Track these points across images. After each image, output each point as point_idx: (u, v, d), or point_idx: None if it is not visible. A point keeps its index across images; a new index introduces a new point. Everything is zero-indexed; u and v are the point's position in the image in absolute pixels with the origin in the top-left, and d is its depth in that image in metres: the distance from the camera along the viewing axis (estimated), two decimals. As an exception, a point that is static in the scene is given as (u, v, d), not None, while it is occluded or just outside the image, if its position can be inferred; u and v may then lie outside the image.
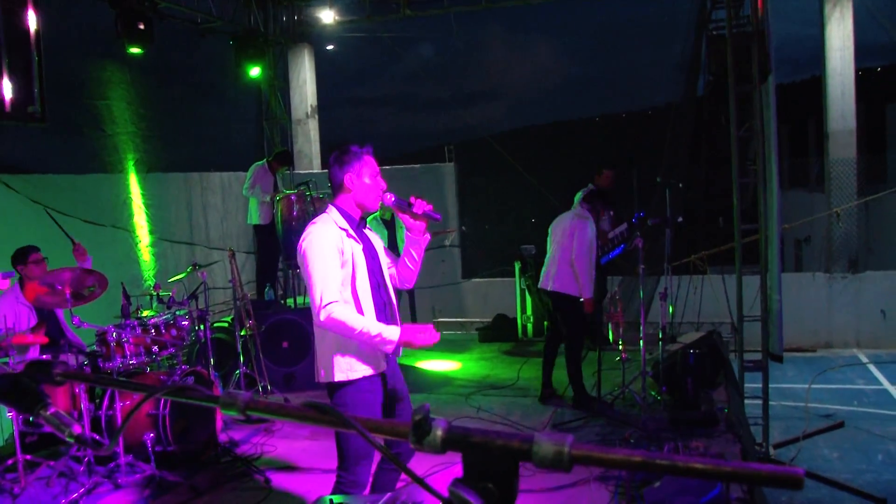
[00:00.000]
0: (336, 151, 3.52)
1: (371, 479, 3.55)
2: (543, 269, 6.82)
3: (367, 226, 3.65)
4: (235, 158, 10.99)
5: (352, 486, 3.40)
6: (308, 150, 12.88)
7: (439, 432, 0.94)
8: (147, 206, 9.54)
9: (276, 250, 9.40)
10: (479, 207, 13.61)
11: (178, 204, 10.17)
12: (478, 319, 10.91)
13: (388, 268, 3.67)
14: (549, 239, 6.82)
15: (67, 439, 1.25)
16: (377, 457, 3.64)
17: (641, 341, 6.35)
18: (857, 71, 10.64)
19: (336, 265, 3.34)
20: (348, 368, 3.41)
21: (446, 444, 0.93)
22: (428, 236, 3.60)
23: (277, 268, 9.80)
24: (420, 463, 4.78)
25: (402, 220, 3.56)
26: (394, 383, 3.61)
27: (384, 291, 3.55)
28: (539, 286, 6.88)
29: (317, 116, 13.08)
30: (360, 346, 3.39)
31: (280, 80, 12.05)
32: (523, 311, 9.70)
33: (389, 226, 7.77)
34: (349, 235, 3.43)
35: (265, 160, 9.36)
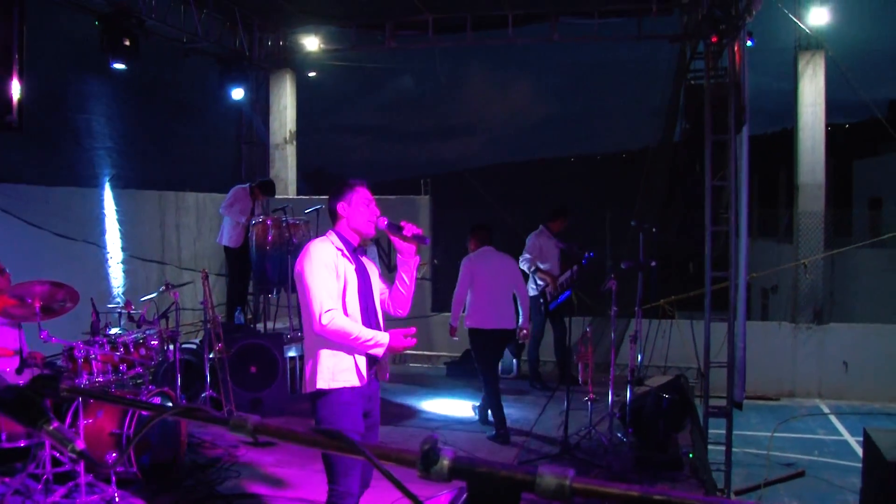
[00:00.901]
0: (334, 186, 3.89)
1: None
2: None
3: (366, 254, 3.88)
4: (212, 179, 11.02)
5: (344, 498, 3.61)
6: (285, 176, 12.88)
7: (446, 462, 0.98)
8: (120, 222, 9.47)
9: (247, 274, 9.36)
10: (453, 241, 13.68)
11: (151, 222, 10.11)
12: (446, 354, 10.90)
13: (381, 293, 3.93)
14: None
15: (70, 454, 1.26)
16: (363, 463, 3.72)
17: (610, 383, 6.42)
18: (827, 126, 10.96)
19: (333, 279, 3.64)
20: (331, 377, 3.65)
21: (453, 474, 0.97)
22: (418, 258, 3.89)
23: (247, 291, 9.75)
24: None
25: (394, 242, 3.85)
26: (371, 406, 3.84)
27: (373, 316, 3.82)
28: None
29: (295, 142, 13.11)
30: (345, 355, 3.65)
31: (261, 103, 12.09)
32: (493, 346, 9.71)
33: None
34: (343, 255, 3.74)
35: (249, 185, 9.34)
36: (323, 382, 3.64)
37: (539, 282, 8.73)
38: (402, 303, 3.93)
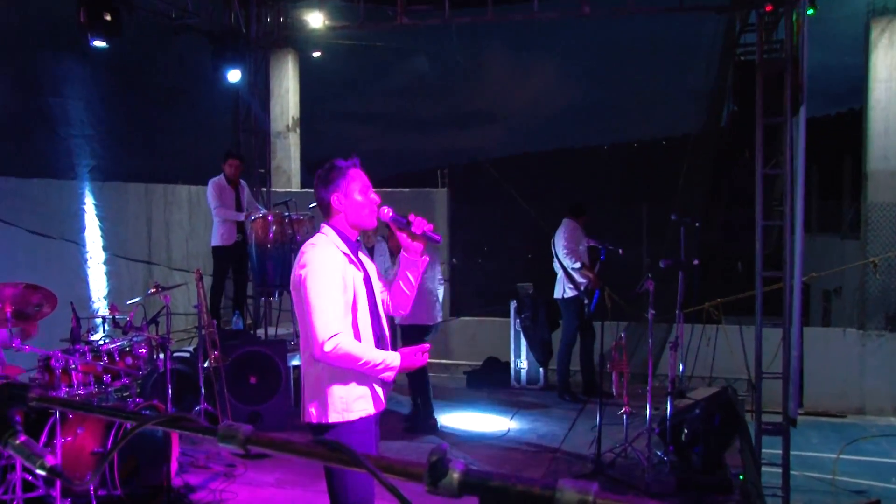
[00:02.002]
0: (319, 170, 3.57)
1: None
2: None
3: (371, 253, 3.70)
4: (206, 171, 11.02)
5: None
6: (287, 167, 12.93)
7: (456, 475, 0.97)
8: (101, 218, 9.49)
9: (244, 274, 9.39)
10: (472, 239, 13.72)
11: (137, 218, 10.16)
12: (466, 362, 10.90)
13: (381, 292, 3.71)
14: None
15: (38, 471, 1.25)
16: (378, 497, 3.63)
17: (648, 395, 6.39)
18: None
19: (341, 292, 3.38)
20: (344, 408, 3.43)
21: (463, 488, 0.96)
22: (426, 258, 3.65)
23: (245, 293, 9.79)
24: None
25: (399, 238, 3.58)
26: (377, 428, 3.67)
27: (378, 323, 3.60)
28: None
29: (298, 130, 13.16)
30: (358, 381, 3.43)
31: (260, 87, 12.15)
32: (517, 355, 9.72)
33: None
34: (351, 261, 3.47)
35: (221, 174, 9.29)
36: (335, 415, 3.42)
37: (580, 279, 8.68)
38: (403, 303, 3.70)
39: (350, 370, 3.39)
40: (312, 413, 3.49)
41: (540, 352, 9.47)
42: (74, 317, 5.88)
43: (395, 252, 7.05)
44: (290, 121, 12.99)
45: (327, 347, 3.27)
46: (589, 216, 8.86)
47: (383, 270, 6.85)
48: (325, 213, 3.57)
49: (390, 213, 3.52)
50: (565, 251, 8.67)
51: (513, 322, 9.76)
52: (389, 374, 3.40)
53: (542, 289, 9.45)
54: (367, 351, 3.36)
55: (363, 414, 3.46)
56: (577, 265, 8.62)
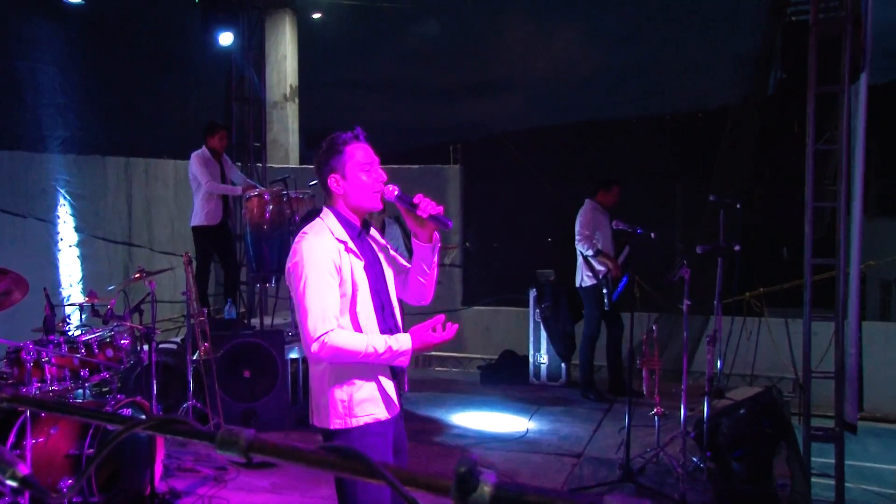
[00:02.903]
0: (321, 143, 3.53)
1: None
2: None
3: (371, 230, 3.63)
4: (194, 145, 11.00)
5: None
6: (285, 140, 12.91)
7: (487, 488, 0.94)
8: (74, 195, 9.47)
9: (233, 256, 9.39)
10: (488, 220, 13.68)
11: (116, 195, 10.12)
12: (479, 356, 10.91)
13: (397, 275, 3.67)
14: None
15: (8, 482, 1.22)
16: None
17: (682, 394, 6.35)
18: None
19: (333, 287, 3.35)
20: (346, 413, 3.39)
21: (496, 503, 0.93)
22: (437, 243, 3.59)
23: (237, 279, 9.79)
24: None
25: (406, 221, 3.54)
26: (398, 430, 3.62)
27: (389, 317, 3.56)
28: None
29: (297, 100, 13.13)
30: (361, 381, 3.39)
31: (255, 52, 12.09)
32: (537, 348, 9.70)
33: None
34: (348, 249, 3.43)
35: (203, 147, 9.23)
36: (337, 419, 3.39)
37: (599, 266, 8.65)
38: (422, 293, 3.66)
39: (354, 367, 3.37)
40: (316, 416, 3.49)
41: (561, 345, 9.45)
42: (48, 304, 5.87)
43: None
44: (288, 89, 12.95)
45: (314, 348, 3.26)
46: (616, 196, 8.80)
47: None
48: (326, 196, 3.55)
49: (396, 192, 3.48)
50: (578, 237, 8.66)
51: (532, 312, 9.74)
52: (403, 360, 3.35)
53: (565, 276, 9.42)
54: (365, 341, 3.30)
55: (370, 419, 3.41)
56: (590, 252, 8.60)
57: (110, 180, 10.06)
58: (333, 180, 3.46)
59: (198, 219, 9.03)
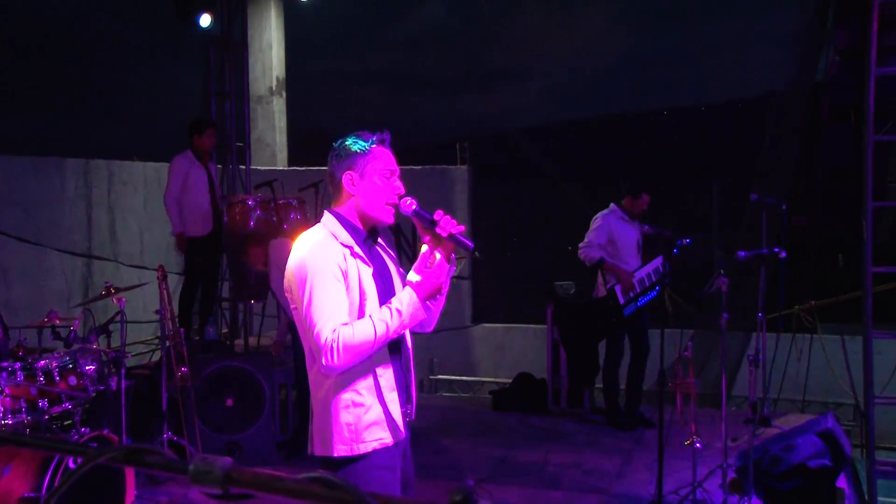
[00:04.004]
0: (336, 141, 3.59)
1: None
2: None
3: (376, 244, 3.66)
4: (168, 145, 10.97)
5: None
6: (271, 139, 12.94)
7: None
8: (24, 202, 9.49)
9: (216, 271, 9.39)
10: (500, 227, 13.68)
11: (74, 202, 10.11)
12: (491, 379, 10.90)
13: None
14: None
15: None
16: None
17: (722, 422, 6.33)
18: None
19: (341, 292, 3.38)
20: (353, 438, 3.43)
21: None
22: (453, 267, 3.61)
23: (216, 295, 9.80)
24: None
25: (422, 238, 3.58)
26: (406, 463, 3.68)
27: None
28: None
29: (284, 94, 13.15)
30: (370, 403, 3.44)
31: (236, 40, 12.11)
32: (556, 370, 9.68)
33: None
34: (354, 254, 3.46)
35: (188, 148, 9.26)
36: (342, 447, 3.43)
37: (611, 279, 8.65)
38: (427, 320, 3.62)
39: (360, 387, 3.42)
40: (317, 444, 3.51)
41: (584, 367, 9.42)
42: (1, 326, 5.87)
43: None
44: (274, 82, 12.99)
45: (328, 360, 3.28)
46: (645, 205, 8.74)
47: None
48: (334, 194, 3.59)
49: (413, 206, 3.52)
50: (581, 244, 8.66)
51: (550, 330, 9.72)
52: (419, 314, 3.43)
53: (586, 289, 9.40)
54: (369, 321, 3.35)
55: (378, 445, 3.46)
56: (593, 260, 8.63)
57: (68, 185, 10.05)
58: (349, 178, 3.51)
59: (185, 228, 9.06)
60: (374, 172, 3.50)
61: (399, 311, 3.36)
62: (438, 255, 3.52)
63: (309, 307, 3.33)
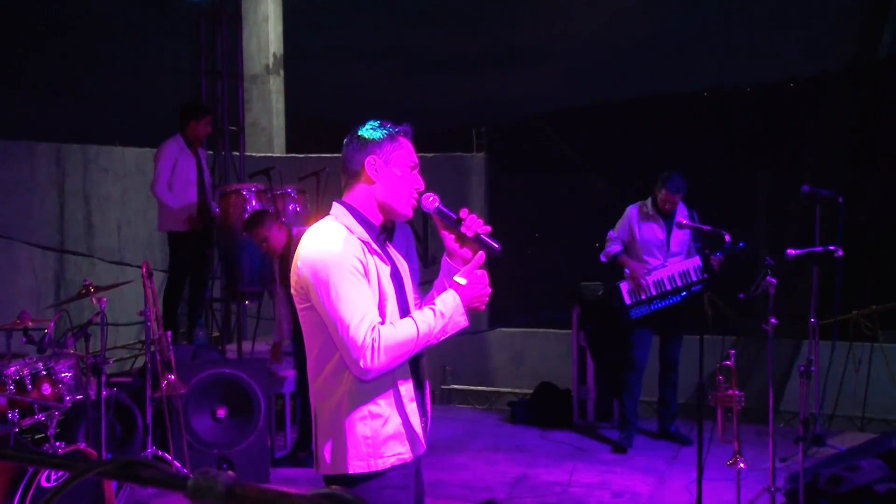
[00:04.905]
0: (357, 126, 3.62)
1: None
2: None
3: (388, 242, 3.69)
4: (153, 129, 10.96)
5: None
6: (267, 122, 12.94)
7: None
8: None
9: (206, 269, 9.40)
10: (520, 221, 13.63)
11: (45, 191, 10.12)
12: (510, 389, 10.89)
13: (414, 299, 3.74)
14: None
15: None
16: None
17: (769, 440, 6.30)
18: None
19: (366, 286, 3.40)
20: (371, 453, 3.44)
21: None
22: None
23: (205, 295, 9.81)
24: None
25: (445, 240, 3.61)
26: (420, 482, 3.71)
27: None
28: None
29: (281, 73, 13.15)
30: (389, 414, 3.46)
31: (229, 12, 12.13)
32: (582, 380, 9.68)
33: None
34: (372, 250, 3.49)
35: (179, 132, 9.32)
36: (358, 461, 3.44)
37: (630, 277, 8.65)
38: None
39: (376, 396, 3.44)
40: (327, 460, 3.51)
41: (612, 376, 9.40)
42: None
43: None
44: (271, 59, 12.98)
45: (366, 362, 3.29)
46: (664, 202, 8.63)
47: None
48: (350, 181, 3.61)
49: (436, 203, 3.56)
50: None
51: (575, 335, 9.72)
52: (462, 321, 3.47)
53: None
54: (411, 322, 3.38)
55: (395, 461, 3.48)
56: (608, 256, 8.76)
57: (39, 172, 10.05)
58: (372, 162, 3.53)
59: (170, 223, 9.09)
60: (398, 161, 3.54)
61: (443, 314, 3.39)
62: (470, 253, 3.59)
63: (336, 306, 3.33)
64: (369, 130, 3.57)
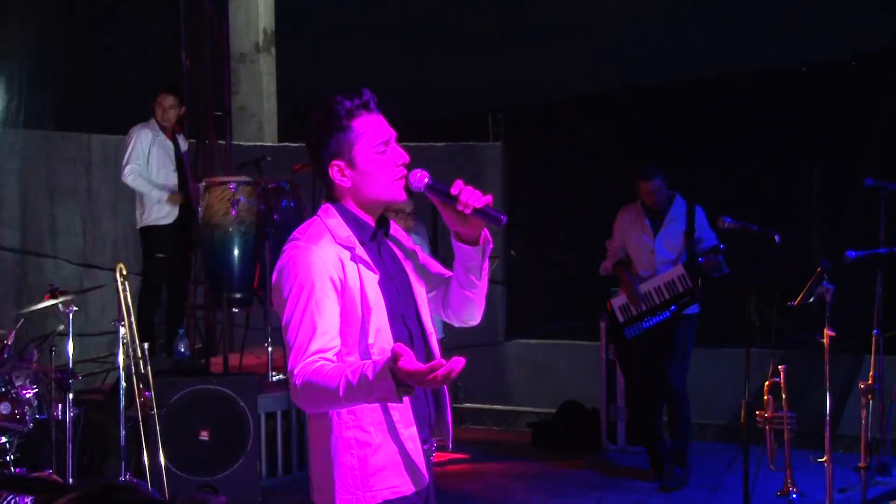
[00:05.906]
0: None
1: None
2: None
3: (393, 229, 3.64)
4: (128, 114, 10.95)
5: None
6: (257, 107, 12.95)
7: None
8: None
9: (185, 271, 9.40)
10: (540, 218, 13.59)
11: (2, 184, 10.13)
12: (530, 409, 10.90)
13: (429, 294, 3.70)
14: None
15: None
16: None
17: (826, 467, 6.27)
18: None
19: (330, 310, 3.33)
20: (358, 485, 3.38)
21: None
22: (489, 241, 3.55)
23: (185, 301, 9.81)
24: None
25: (444, 217, 3.55)
26: None
27: (421, 350, 3.56)
28: None
29: (273, 51, 13.16)
30: (380, 441, 3.39)
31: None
32: (611, 399, 9.66)
33: None
34: (356, 258, 3.41)
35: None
36: (346, 496, 3.39)
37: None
38: (469, 310, 3.66)
39: (367, 420, 3.37)
40: (318, 491, 3.49)
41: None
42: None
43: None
44: (261, 37, 12.99)
45: (292, 393, 3.34)
46: (644, 193, 8.55)
47: None
48: (326, 187, 3.56)
49: (426, 180, 3.48)
50: None
51: (604, 348, 9.71)
52: (383, 390, 3.04)
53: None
54: (342, 370, 3.15)
55: (390, 494, 3.41)
56: (605, 268, 8.85)
57: (2, 163, 10.06)
58: (336, 169, 3.46)
59: (145, 217, 9.08)
60: (366, 151, 3.44)
61: (366, 377, 3.06)
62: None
63: (289, 327, 3.33)
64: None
